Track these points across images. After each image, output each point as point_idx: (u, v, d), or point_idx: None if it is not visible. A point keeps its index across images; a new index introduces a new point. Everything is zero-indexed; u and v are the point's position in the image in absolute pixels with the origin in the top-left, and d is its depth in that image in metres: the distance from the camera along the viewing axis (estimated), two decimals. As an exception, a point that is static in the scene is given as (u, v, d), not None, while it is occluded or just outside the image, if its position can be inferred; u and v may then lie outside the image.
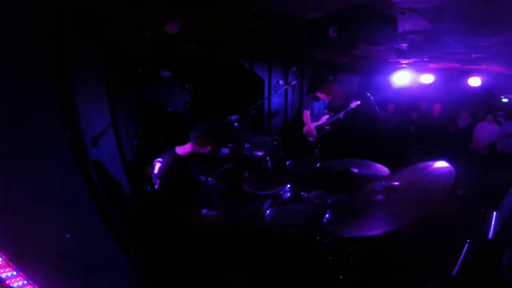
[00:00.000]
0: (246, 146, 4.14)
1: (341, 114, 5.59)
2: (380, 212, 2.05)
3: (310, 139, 5.70)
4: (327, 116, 5.68)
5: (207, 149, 2.53)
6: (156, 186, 2.55)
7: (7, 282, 1.56)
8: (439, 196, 1.89)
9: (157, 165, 2.60)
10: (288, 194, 3.02)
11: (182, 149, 2.60)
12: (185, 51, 4.68)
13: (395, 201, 2.06)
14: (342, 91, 5.72)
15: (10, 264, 1.57)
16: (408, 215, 1.91)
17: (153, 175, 2.63)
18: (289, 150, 5.80)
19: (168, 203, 2.50)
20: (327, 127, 5.63)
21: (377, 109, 5.72)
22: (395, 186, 2.20)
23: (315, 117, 5.67)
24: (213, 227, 2.55)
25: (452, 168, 2.03)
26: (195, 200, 2.50)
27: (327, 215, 2.44)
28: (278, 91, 6.37)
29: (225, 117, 4.82)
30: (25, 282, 1.60)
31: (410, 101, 7.59)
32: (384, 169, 2.90)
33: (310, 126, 5.60)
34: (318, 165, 3.47)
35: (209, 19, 3.01)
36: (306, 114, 5.61)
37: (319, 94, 5.56)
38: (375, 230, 1.92)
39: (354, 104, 5.50)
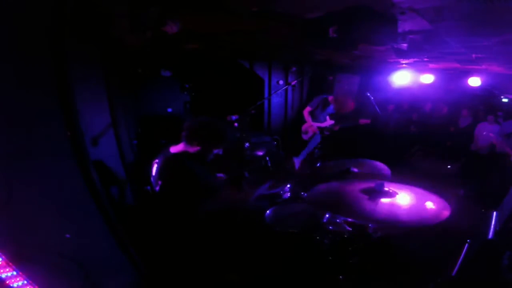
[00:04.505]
0: (246, 146, 4.14)
1: (337, 128, 5.80)
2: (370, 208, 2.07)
3: (304, 136, 5.71)
4: (331, 122, 5.78)
5: (196, 149, 2.47)
6: (157, 188, 2.50)
7: (7, 282, 1.56)
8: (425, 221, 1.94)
9: (155, 166, 2.56)
10: (288, 194, 3.02)
11: (176, 148, 2.56)
12: (185, 51, 4.68)
13: (389, 205, 2.08)
14: (354, 110, 5.94)
15: (10, 264, 1.57)
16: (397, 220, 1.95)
17: (152, 177, 2.58)
18: (289, 150, 5.80)
19: (171, 202, 2.44)
20: (327, 132, 5.72)
21: (377, 109, 5.73)
22: (394, 192, 2.18)
23: (315, 118, 5.69)
24: (211, 226, 2.55)
25: (448, 210, 2.03)
26: (197, 195, 2.42)
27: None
28: (278, 91, 6.37)
29: (225, 117, 4.83)
30: (25, 282, 1.60)
31: (410, 101, 7.58)
32: (385, 168, 2.89)
33: (310, 122, 5.62)
34: (318, 165, 3.47)
35: (209, 19, 3.01)
36: (307, 110, 5.64)
37: (331, 100, 5.65)
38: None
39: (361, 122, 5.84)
